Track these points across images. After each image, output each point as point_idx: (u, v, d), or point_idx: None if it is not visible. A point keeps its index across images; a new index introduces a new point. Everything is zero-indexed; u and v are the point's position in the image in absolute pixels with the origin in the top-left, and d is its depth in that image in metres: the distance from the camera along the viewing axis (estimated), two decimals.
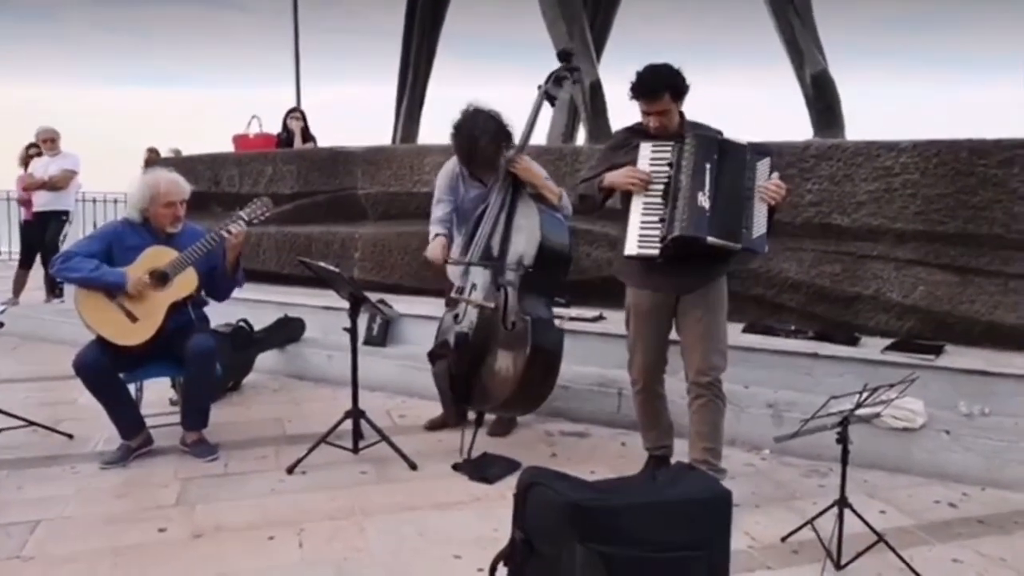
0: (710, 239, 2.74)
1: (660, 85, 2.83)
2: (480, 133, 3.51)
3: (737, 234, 2.78)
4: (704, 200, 2.75)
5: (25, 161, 7.36)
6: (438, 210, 3.83)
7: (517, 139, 3.60)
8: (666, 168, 2.84)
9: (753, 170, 2.81)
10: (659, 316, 3.05)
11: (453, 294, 3.60)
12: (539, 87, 3.60)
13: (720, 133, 2.95)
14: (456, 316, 3.56)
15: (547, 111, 3.70)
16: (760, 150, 2.87)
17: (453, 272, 3.65)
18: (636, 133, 3.01)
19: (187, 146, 9.42)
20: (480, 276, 3.51)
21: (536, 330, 3.32)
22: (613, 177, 2.96)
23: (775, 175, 2.85)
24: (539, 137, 6.14)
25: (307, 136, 7.34)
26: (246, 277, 3.78)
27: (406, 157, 5.48)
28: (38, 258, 7.41)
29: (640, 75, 2.86)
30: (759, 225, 2.82)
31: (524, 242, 3.40)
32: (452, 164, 3.79)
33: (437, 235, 3.76)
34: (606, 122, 5.47)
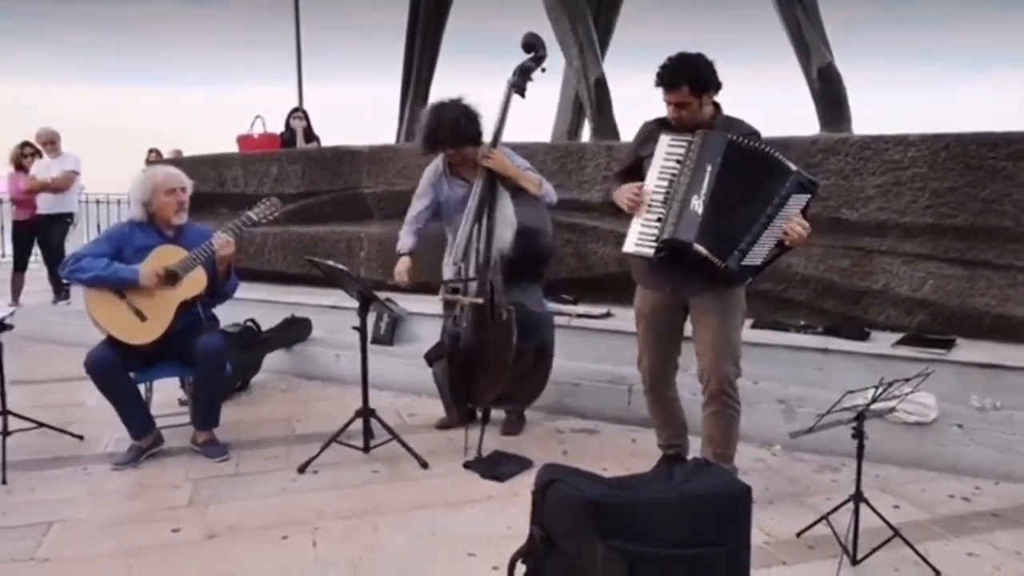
0: (696, 246, 2.65)
1: (680, 76, 2.73)
2: (445, 111, 3.52)
3: (727, 252, 2.64)
4: (697, 204, 2.65)
5: (17, 160, 7.21)
6: (413, 207, 3.83)
7: (490, 129, 3.58)
8: (676, 165, 2.77)
9: (786, 199, 2.63)
10: (665, 319, 3.00)
11: (440, 295, 3.62)
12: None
13: (756, 133, 2.84)
14: (454, 318, 3.57)
15: (523, 103, 3.68)
16: (805, 184, 2.67)
17: (448, 272, 3.65)
18: (664, 125, 2.91)
19: (189, 148, 9.39)
20: (471, 274, 3.52)
21: (520, 318, 3.35)
22: (616, 195, 2.92)
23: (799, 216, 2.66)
24: (539, 133, 6.16)
25: (310, 136, 7.34)
26: (247, 280, 3.75)
27: (412, 155, 5.46)
28: (40, 260, 7.40)
29: (666, 62, 2.77)
30: (757, 255, 2.67)
31: (502, 235, 3.42)
32: (437, 161, 3.80)
33: (400, 255, 3.77)
34: (611, 119, 5.45)
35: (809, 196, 2.72)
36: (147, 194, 3.45)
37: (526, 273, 3.50)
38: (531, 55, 3.60)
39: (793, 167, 2.68)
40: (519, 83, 3.58)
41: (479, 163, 3.52)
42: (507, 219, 3.41)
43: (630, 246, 2.83)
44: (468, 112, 3.54)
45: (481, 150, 3.54)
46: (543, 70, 3.64)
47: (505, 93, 3.57)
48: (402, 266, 3.73)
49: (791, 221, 2.65)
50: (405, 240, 3.81)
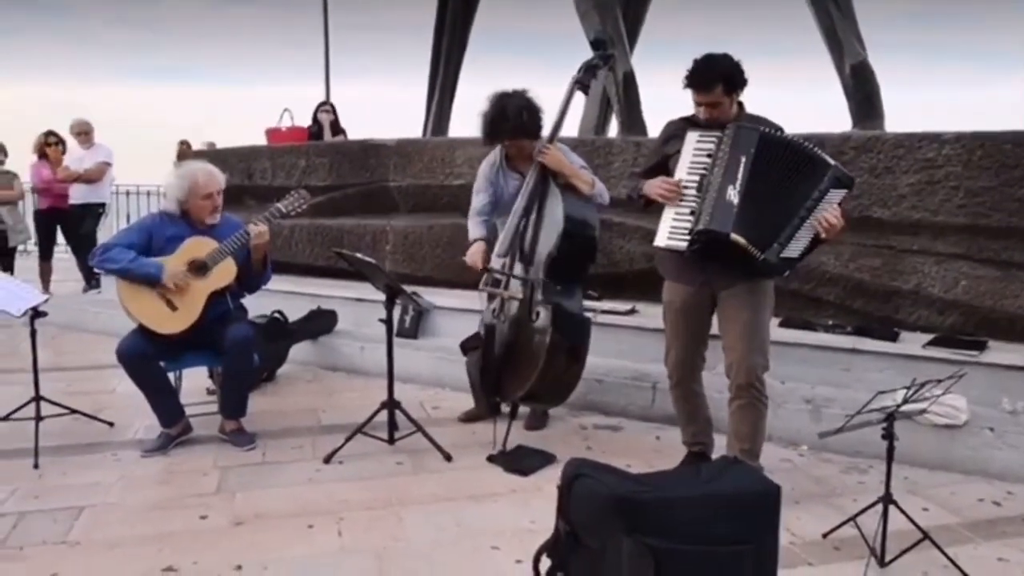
0: (733, 236, 2.64)
1: (714, 76, 2.76)
2: (509, 101, 3.52)
3: (765, 244, 2.64)
4: (733, 194, 2.65)
5: (41, 149, 7.26)
6: (475, 201, 3.84)
7: (547, 127, 3.58)
8: (706, 159, 2.77)
9: (824, 193, 2.64)
10: (695, 313, 3.00)
11: (481, 286, 3.62)
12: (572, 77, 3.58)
13: (780, 130, 2.84)
14: (494, 309, 3.57)
15: (578, 101, 3.66)
16: (842, 179, 2.69)
17: (496, 261, 3.65)
18: (689, 123, 2.93)
19: (219, 143, 9.48)
20: (515, 267, 3.52)
21: (557, 318, 3.33)
22: (647, 187, 2.93)
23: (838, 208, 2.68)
24: (571, 129, 6.13)
25: (337, 129, 7.38)
26: (273, 272, 3.79)
27: (438, 150, 5.48)
28: (68, 249, 7.50)
29: (696, 64, 2.80)
30: (794, 248, 2.69)
31: (549, 232, 3.40)
32: (493, 154, 3.80)
33: (476, 240, 3.76)
34: (639, 113, 5.41)
35: (846, 191, 2.72)
36: (184, 194, 3.48)
37: (569, 272, 3.47)
38: (599, 52, 3.59)
39: (831, 161, 2.69)
40: (584, 80, 3.55)
41: (535, 158, 3.51)
42: (555, 216, 3.38)
43: (662, 239, 2.83)
44: (531, 105, 3.54)
45: (537, 145, 3.53)
46: (610, 69, 3.61)
47: (568, 89, 3.55)
48: (476, 249, 3.72)
49: (828, 213, 2.65)
50: (475, 230, 3.81)
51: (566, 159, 3.53)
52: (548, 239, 3.38)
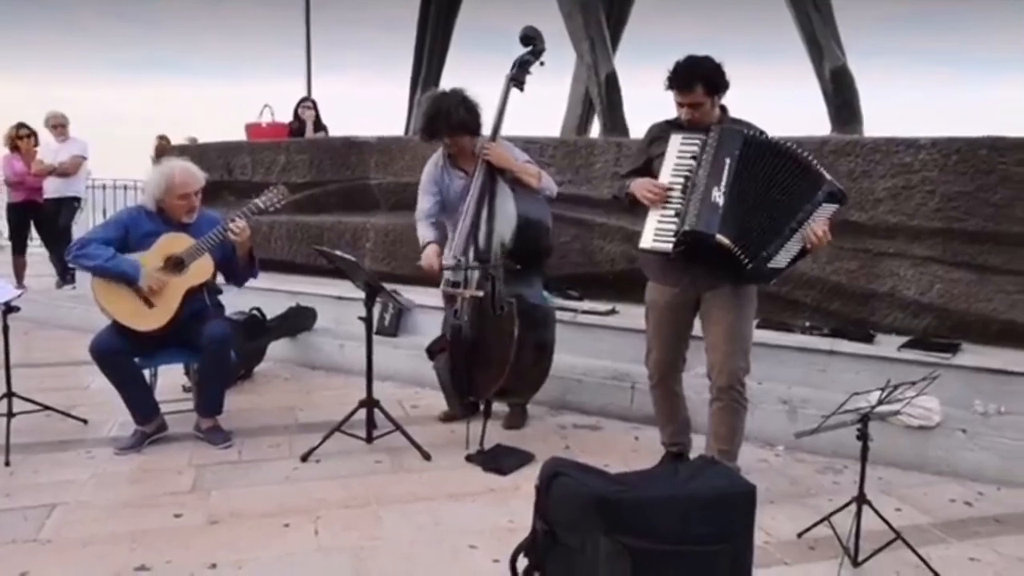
0: (718, 236, 2.64)
1: (694, 77, 2.76)
2: (444, 99, 3.54)
3: (755, 252, 2.65)
4: (718, 195, 2.65)
5: (12, 142, 7.09)
6: (422, 203, 3.81)
7: (488, 126, 3.59)
8: (691, 161, 2.78)
9: (816, 207, 2.66)
10: (678, 313, 3.01)
11: (443, 288, 3.62)
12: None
13: (763, 133, 2.84)
14: (455, 311, 3.57)
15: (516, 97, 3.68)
16: (836, 194, 2.70)
17: (453, 263, 3.63)
18: (673, 126, 2.94)
19: (202, 138, 9.36)
20: (473, 266, 3.52)
21: (522, 310, 3.35)
22: (634, 186, 2.93)
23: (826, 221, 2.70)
24: (548, 128, 6.15)
25: (318, 126, 7.34)
26: (259, 267, 3.78)
27: (419, 147, 5.43)
28: (41, 243, 7.38)
29: (677, 65, 2.80)
30: (781, 260, 2.71)
31: (503, 228, 3.41)
32: (436, 155, 3.80)
33: (428, 243, 3.73)
34: (621, 115, 5.43)
35: (838, 206, 2.74)
36: (160, 192, 3.43)
37: (526, 266, 3.49)
38: (529, 48, 3.61)
39: (827, 175, 2.69)
40: (517, 76, 3.58)
41: (478, 156, 3.52)
42: (507, 212, 3.40)
43: (647, 242, 2.82)
44: (467, 102, 3.55)
45: (480, 143, 3.54)
46: (542, 63, 3.65)
47: (504, 86, 3.58)
48: (431, 251, 3.70)
49: (816, 227, 2.67)
50: (425, 232, 3.78)
51: (510, 155, 3.54)
52: (503, 235, 3.40)
